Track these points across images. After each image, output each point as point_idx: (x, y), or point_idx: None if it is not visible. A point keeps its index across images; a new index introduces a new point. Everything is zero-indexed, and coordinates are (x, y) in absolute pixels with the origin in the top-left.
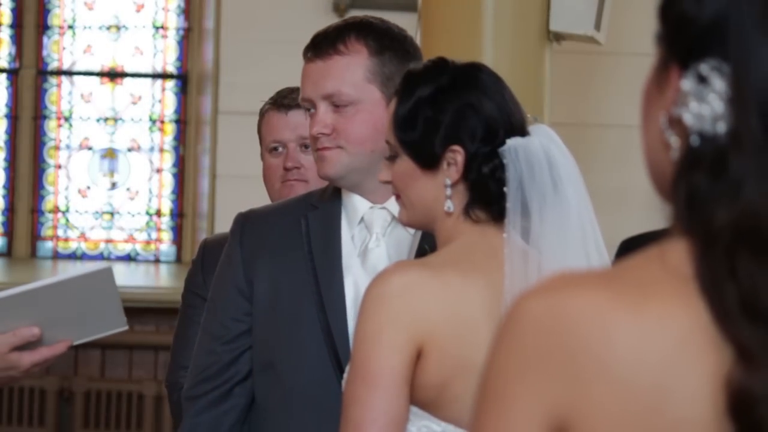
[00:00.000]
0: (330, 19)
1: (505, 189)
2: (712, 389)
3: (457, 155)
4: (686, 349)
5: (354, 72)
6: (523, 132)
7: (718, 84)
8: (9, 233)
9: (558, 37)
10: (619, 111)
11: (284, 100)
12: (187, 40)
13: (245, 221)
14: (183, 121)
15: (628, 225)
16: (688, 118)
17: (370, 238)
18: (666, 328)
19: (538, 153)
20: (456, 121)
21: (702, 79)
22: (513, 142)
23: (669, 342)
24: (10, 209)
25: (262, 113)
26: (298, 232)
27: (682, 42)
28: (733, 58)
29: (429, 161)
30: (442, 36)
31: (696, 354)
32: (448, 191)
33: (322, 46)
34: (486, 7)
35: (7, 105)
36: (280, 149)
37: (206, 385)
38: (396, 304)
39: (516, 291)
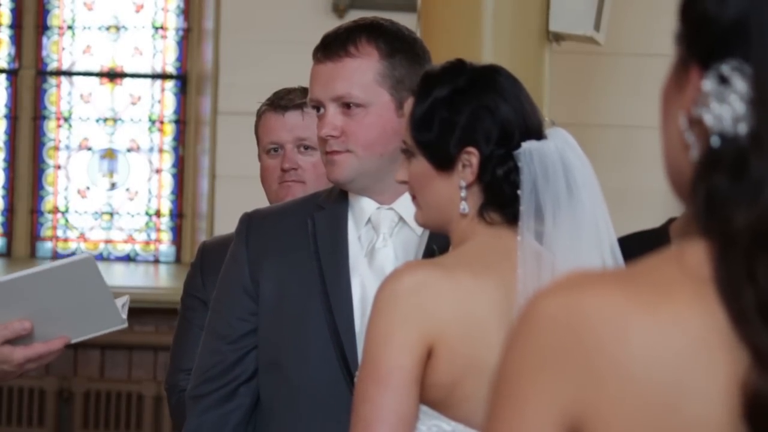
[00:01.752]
0: (330, 20)
1: (519, 191)
2: (727, 391)
3: (472, 157)
4: (702, 350)
5: (364, 75)
6: (539, 135)
7: (740, 85)
8: (8, 233)
9: (558, 37)
10: (618, 111)
11: (281, 101)
12: (187, 41)
13: (250, 221)
14: (182, 122)
15: (628, 225)
16: (708, 119)
17: (377, 239)
18: (682, 328)
19: (553, 156)
20: (471, 122)
21: (723, 80)
22: (528, 145)
23: (685, 342)
24: (10, 210)
25: (259, 114)
26: (304, 233)
27: (704, 42)
28: (755, 58)
29: (444, 162)
30: (442, 36)
31: (712, 355)
32: (463, 193)
33: (332, 47)
34: (486, 7)
35: (6, 105)
36: (278, 150)
37: (211, 385)
38: (407, 304)
39: (529, 293)
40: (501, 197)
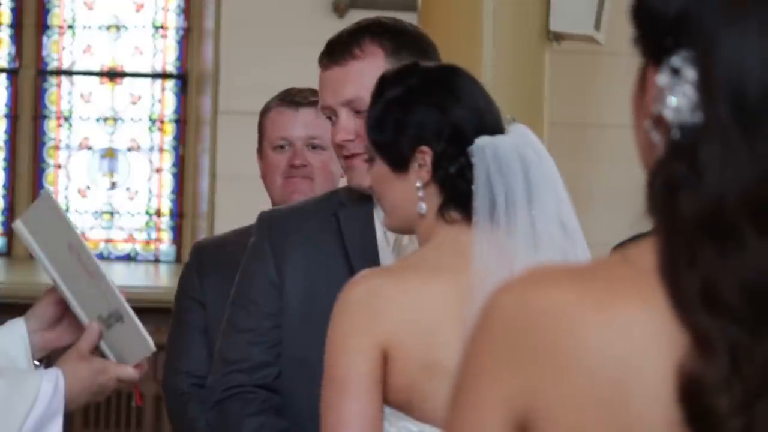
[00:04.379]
0: (330, 20)
1: (473, 187)
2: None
3: (425, 156)
4: (650, 346)
5: (372, 75)
6: (495, 132)
7: (691, 74)
8: (9, 233)
9: (558, 37)
10: (619, 111)
11: (295, 98)
12: (187, 40)
13: (271, 218)
14: (183, 121)
15: (628, 225)
16: (667, 113)
17: (403, 235)
18: (631, 327)
19: (508, 151)
20: (422, 121)
21: (675, 72)
22: (481, 141)
23: (633, 339)
24: (10, 209)
25: (269, 109)
26: (329, 230)
27: (653, 38)
28: (698, 46)
29: (400, 163)
30: (442, 36)
31: (660, 351)
32: (420, 192)
33: (337, 51)
34: (486, 7)
35: (6, 105)
36: (285, 147)
37: (235, 379)
38: (358, 312)
39: (484, 289)
40: (457, 195)
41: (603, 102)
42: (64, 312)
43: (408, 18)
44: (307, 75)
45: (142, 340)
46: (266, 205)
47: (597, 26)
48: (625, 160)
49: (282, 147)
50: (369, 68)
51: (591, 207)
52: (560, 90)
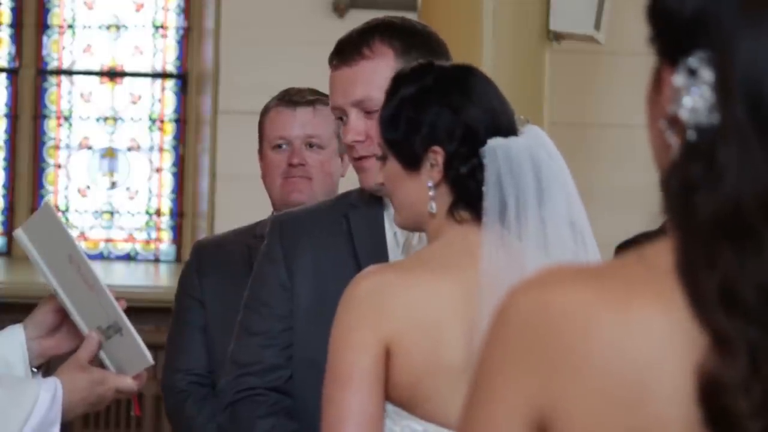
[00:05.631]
0: (330, 19)
1: (484, 188)
2: (691, 390)
3: (437, 156)
4: (668, 347)
5: (382, 75)
6: (509, 133)
7: (708, 74)
8: (8, 233)
9: (558, 37)
10: (619, 111)
11: (293, 97)
12: (187, 40)
13: (283, 222)
14: (183, 121)
15: (629, 225)
16: (683, 114)
17: (412, 235)
18: (648, 327)
19: (520, 152)
20: (435, 121)
21: (692, 72)
22: (493, 143)
23: (651, 340)
24: (10, 208)
25: (268, 109)
26: (339, 232)
27: (670, 38)
28: (716, 47)
29: (412, 162)
30: (442, 36)
31: (678, 352)
32: (431, 192)
33: (346, 52)
34: (486, 7)
35: (6, 104)
36: (283, 147)
37: (247, 382)
38: (363, 307)
39: (491, 289)
40: (467, 195)
41: (603, 102)
42: (63, 319)
43: (408, 17)
44: (307, 75)
45: (141, 353)
46: (266, 205)
47: (597, 26)
48: (625, 160)
49: (280, 146)
50: (379, 68)
51: (591, 207)
52: (560, 90)
